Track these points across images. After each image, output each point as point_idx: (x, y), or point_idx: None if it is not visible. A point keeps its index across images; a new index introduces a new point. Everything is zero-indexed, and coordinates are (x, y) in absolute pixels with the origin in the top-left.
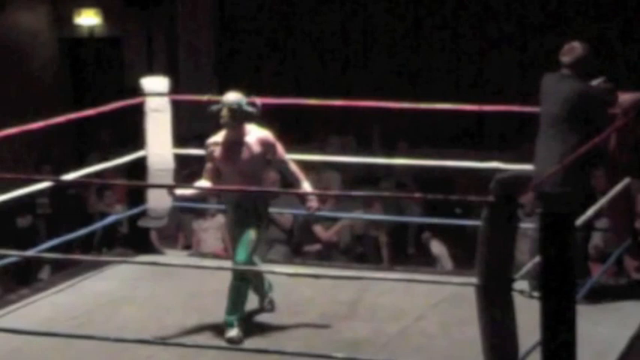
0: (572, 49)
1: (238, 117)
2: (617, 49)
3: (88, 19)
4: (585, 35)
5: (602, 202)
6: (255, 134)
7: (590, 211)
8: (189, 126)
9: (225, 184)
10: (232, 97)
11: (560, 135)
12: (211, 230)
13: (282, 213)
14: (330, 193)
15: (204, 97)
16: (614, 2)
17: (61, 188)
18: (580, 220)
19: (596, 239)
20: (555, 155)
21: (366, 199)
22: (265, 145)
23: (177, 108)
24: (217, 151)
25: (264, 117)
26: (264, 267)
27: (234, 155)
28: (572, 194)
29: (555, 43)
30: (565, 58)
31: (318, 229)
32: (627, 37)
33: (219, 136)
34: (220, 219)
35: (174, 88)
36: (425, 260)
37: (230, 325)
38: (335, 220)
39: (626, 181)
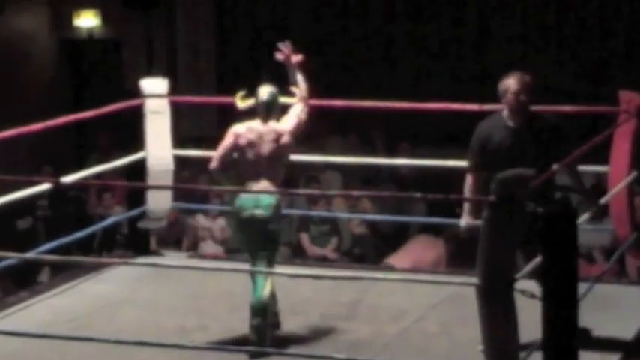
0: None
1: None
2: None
3: (87, 20)
4: (588, 35)
5: (607, 197)
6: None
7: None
8: (189, 127)
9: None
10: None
11: None
12: (213, 236)
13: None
14: (330, 194)
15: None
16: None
17: (60, 190)
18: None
19: (603, 239)
20: None
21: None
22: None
23: (177, 109)
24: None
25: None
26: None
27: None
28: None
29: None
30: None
31: (305, 240)
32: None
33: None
34: (222, 222)
35: (174, 90)
36: None
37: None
38: (325, 224)
39: (630, 176)
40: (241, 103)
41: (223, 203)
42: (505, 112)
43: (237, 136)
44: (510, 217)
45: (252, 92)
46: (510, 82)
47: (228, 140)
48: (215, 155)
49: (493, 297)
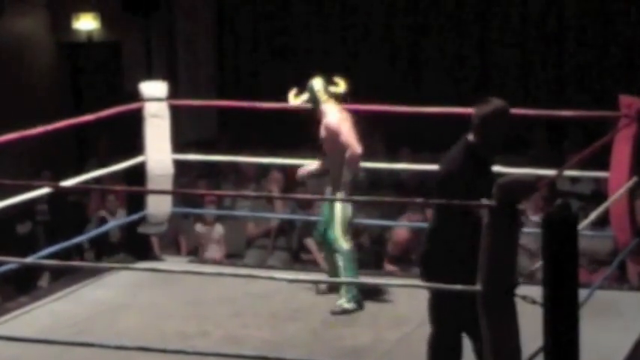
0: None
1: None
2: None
3: (86, 23)
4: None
5: (608, 203)
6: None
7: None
8: (188, 131)
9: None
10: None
11: None
12: (211, 241)
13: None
14: (331, 199)
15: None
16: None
17: (60, 195)
18: None
19: (603, 245)
20: None
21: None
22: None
23: (176, 113)
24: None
25: (262, 122)
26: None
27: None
28: None
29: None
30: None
31: (311, 245)
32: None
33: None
34: (220, 229)
35: (173, 93)
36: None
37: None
38: None
39: (631, 182)
40: (295, 100)
41: (220, 208)
42: (476, 141)
43: (344, 124)
44: (511, 222)
45: (302, 90)
46: (499, 111)
47: (345, 126)
48: (354, 141)
49: (494, 303)
